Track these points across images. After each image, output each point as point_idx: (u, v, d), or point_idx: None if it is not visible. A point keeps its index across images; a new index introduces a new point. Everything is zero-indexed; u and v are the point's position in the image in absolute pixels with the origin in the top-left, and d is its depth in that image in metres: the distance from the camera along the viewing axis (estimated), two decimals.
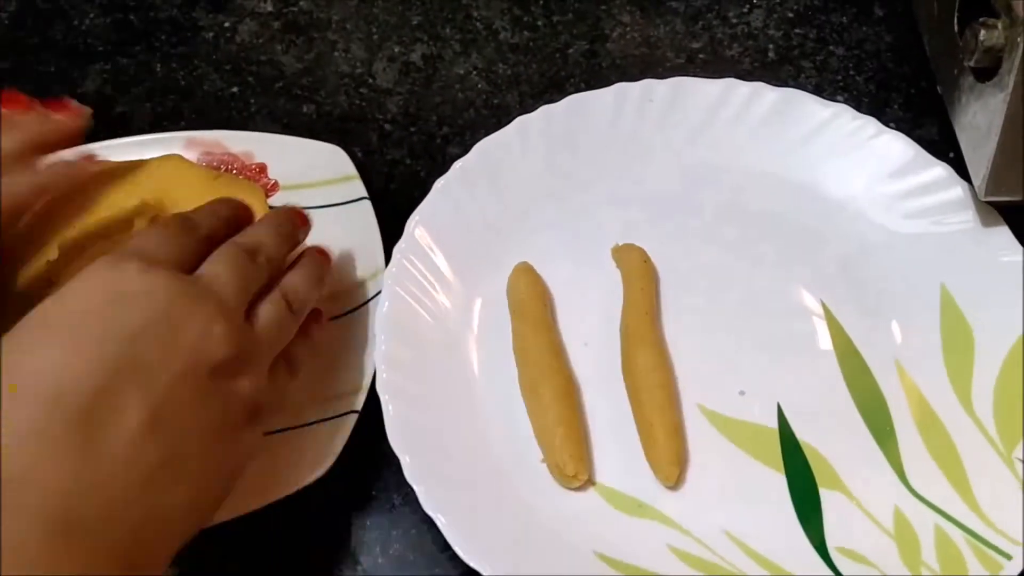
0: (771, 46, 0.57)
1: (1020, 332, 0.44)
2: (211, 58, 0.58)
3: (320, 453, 0.42)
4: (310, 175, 0.50)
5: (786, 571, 0.40)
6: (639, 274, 0.47)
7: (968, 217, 0.47)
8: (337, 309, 0.47)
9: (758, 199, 0.50)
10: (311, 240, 0.49)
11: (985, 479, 0.41)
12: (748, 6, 0.59)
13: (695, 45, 0.57)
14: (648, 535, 0.41)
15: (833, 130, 0.50)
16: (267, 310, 0.38)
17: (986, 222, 0.46)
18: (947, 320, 0.45)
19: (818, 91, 0.52)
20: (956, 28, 0.46)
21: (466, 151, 0.49)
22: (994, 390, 0.43)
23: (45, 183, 0.42)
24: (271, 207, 0.48)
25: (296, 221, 0.43)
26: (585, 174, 0.50)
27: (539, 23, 0.59)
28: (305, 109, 0.56)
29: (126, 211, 0.45)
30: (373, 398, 0.43)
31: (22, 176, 0.41)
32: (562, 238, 0.49)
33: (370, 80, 0.57)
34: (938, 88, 0.49)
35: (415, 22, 0.59)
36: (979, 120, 0.44)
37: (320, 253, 0.43)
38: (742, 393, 0.45)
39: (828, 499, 0.42)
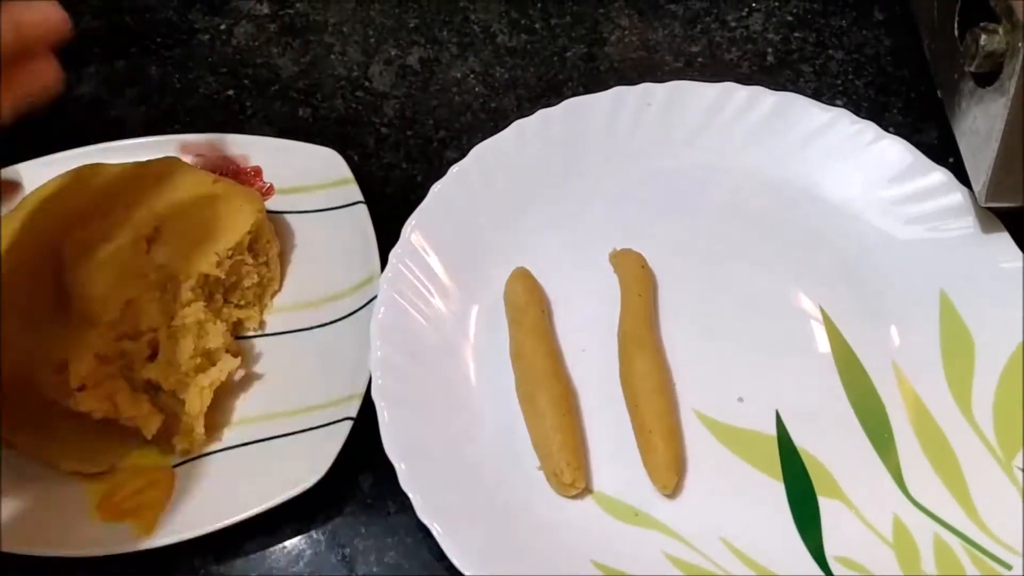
0: (770, 50, 0.57)
1: (1020, 339, 0.44)
2: (207, 61, 0.58)
3: (315, 460, 0.42)
4: (306, 179, 0.50)
5: None
6: (637, 279, 0.47)
7: (968, 223, 0.47)
8: (332, 314, 0.47)
9: (756, 203, 0.49)
10: (308, 243, 0.49)
11: (985, 488, 0.41)
12: (747, 10, 0.58)
13: (694, 49, 0.57)
14: (645, 543, 0.41)
15: (832, 134, 0.50)
16: None
17: (986, 228, 0.46)
18: (946, 326, 0.45)
19: (817, 95, 0.52)
20: (956, 33, 0.46)
21: (463, 155, 0.49)
22: (994, 397, 0.43)
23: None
24: (268, 211, 0.48)
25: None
26: (583, 178, 0.50)
27: (537, 26, 0.58)
28: (301, 112, 0.56)
29: (129, 214, 0.44)
30: (368, 404, 0.43)
31: None
32: (560, 243, 0.49)
33: (366, 83, 0.57)
34: (938, 93, 0.49)
35: (412, 25, 0.59)
36: (979, 125, 0.44)
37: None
38: (740, 399, 0.44)
39: (827, 507, 0.42)
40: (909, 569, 0.40)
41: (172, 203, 0.45)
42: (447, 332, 0.46)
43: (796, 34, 0.57)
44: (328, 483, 0.41)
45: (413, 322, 0.45)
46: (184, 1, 0.60)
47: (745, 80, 0.51)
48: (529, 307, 0.46)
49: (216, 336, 0.44)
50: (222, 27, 0.59)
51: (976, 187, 0.45)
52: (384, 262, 0.46)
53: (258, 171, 0.51)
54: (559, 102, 0.51)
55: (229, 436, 0.44)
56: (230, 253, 0.45)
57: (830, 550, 0.40)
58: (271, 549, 0.42)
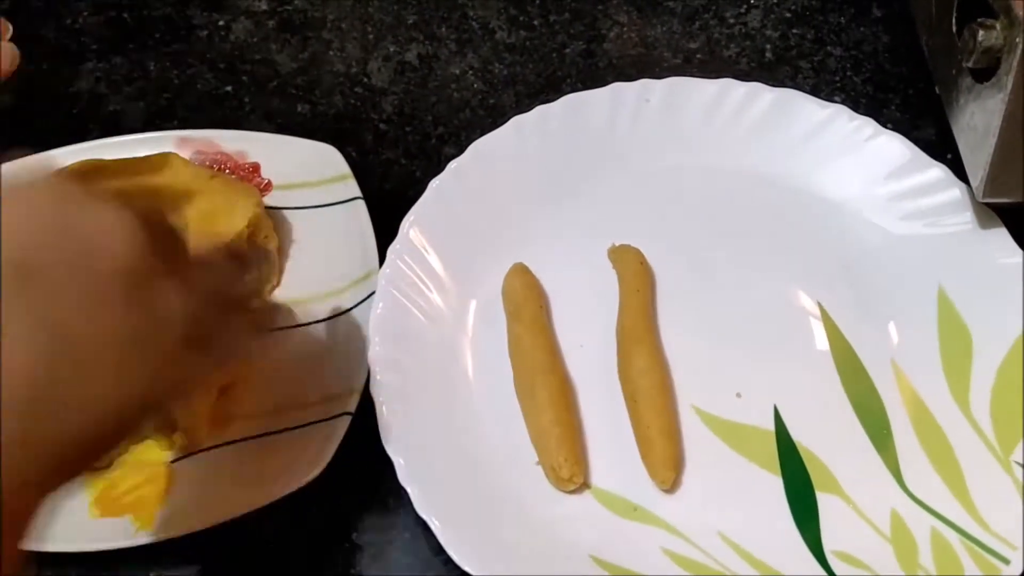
0: (768, 46, 0.57)
1: (1018, 334, 0.44)
2: (205, 57, 0.58)
3: (314, 455, 0.42)
4: (304, 174, 0.50)
5: (782, 575, 0.40)
6: (635, 275, 0.47)
7: (966, 219, 0.47)
8: (330, 310, 0.46)
9: (755, 200, 0.49)
10: (306, 239, 0.49)
11: (982, 482, 0.41)
12: (745, 6, 0.58)
13: (692, 45, 0.57)
14: (643, 538, 0.41)
15: (830, 131, 0.50)
16: (192, 241, 0.35)
17: (984, 224, 0.46)
18: (944, 322, 0.45)
19: (815, 92, 0.52)
20: (954, 28, 0.46)
21: (461, 151, 0.49)
22: (992, 393, 0.43)
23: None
24: (267, 207, 0.48)
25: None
26: (581, 174, 0.50)
27: (536, 23, 0.58)
28: (300, 108, 0.56)
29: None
30: (367, 400, 0.43)
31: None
32: (558, 239, 0.49)
33: (365, 79, 0.57)
34: (936, 89, 0.49)
35: (411, 21, 0.59)
36: (977, 121, 0.44)
37: None
38: (738, 395, 0.44)
39: (825, 502, 0.42)
40: (907, 564, 0.40)
41: (170, 198, 0.45)
42: (445, 328, 0.46)
43: (794, 31, 0.57)
44: (326, 478, 0.41)
45: (411, 318, 0.45)
46: None
47: (744, 76, 0.51)
48: (527, 303, 0.46)
49: None
50: (220, 23, 0.59)
51: (974, 183, 0.45)
52: (382, 258, 0.46)
53: (256, 167, 0.51)
54: (558, 98, 0.51)
55: (227, 432, 0.44)
56: (229, 248, 0.45)
57: (828, 545, 0.40)
58: (269, 545, 0.42)
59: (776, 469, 0.42)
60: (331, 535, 0.43)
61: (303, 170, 0.50)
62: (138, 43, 0.58)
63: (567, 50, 0.57)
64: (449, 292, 0.47)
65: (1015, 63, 0.40)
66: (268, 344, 0.46)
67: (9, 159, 0.31)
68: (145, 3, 0.60)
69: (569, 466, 0.41)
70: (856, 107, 0.50)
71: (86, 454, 0.30)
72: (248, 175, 0.50)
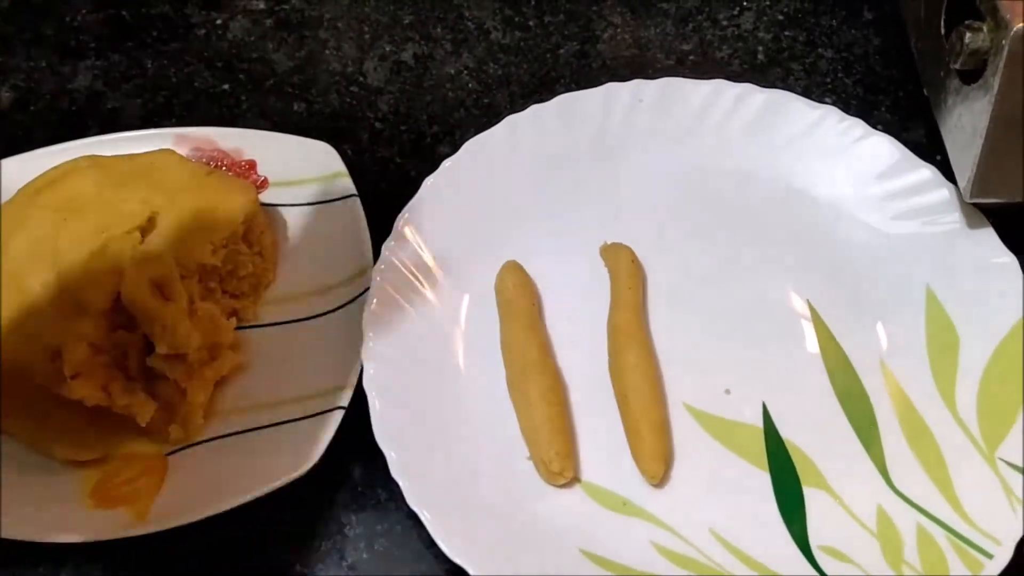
0: (760, 48, 0.57)
1: (1004, 333, 0.44)
2: (202, 55, 0.58)
3: (306, 449, 0.42)
4: (299, 172, 0.50)
5: (769, 569, 0.40)
6: (627, 273, 0.47)
7: (954, 219, 0.47)
8: (325, 305, 0.47)
9: (746, 199, 0.50)
10: (301, 236, 0.50)
11: (967, 479, 0.41)
12: (738, 8, 0.59)
13: (685, 47, 0.58)
14: (633, 532, 0.41)
15: (821, 132, 0.50)
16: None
17: (971, 224, 0.47)
18: (932, 321, 0.46)
19: (807, 93, 0.53)
20: (943, 31, 0.46)
21: (456, 150, 0.50)
22: (978, 391, 0.43)
23: None
24: (262, 203, 0.49)
25: None
26: (574, 173, 0.51)
27: (530, 24, 0.59)
28: (296, 107, 0.56)
29: (126, 208, 0.45)
30: (360, 394, 0.43)
31: None
32: (550, 236, 0.49)
33: (361, 79, 0.57)
34: (924, 91, 0.49)
35: (407, 21, 0.59)
36: (964, 122, 0.44)
37: None
38: (728, 392, 0.45)
39: (811, 497, 0.42)
40: (892, 558, 0.40)
41: (166, 194, 0.46)
42: (438, 323, 0.46)
43: (787, 33, 0.58)
44: (320, 471, 0.42)
45: (405, 314, 0.46)
46: None
47: (736, 78, 0.52)
48: (520, 300, 0.46)
49: (228, 331, 0.45)
50: (218, 22, 0.59)
51: (961, 183, 0.45)
52: (377, 254, 0.47)
53: (252, 164, 0.51)
54: (552, 98, 0.51)
55: (222, 425, 0.44)
56: (225, 242, 0.45)
57: (815, 539, 0.41)
58: (262, 536, 0.43)
59: (764, 465, 0.43)
60: (323, 528, 0.43)
61: (299, 167, 0.50)
62: (136, 41, 0.59)
63: (561, 51, 0.58)
64: (442, 288, 0.47)
65: (1001, 65, 0.41)
66: (263, 339, 0.47)
67: None
68: (144, 1, 0.60)
69: (560, 460, 0.42)
70: (847, 109, 0.51)
71: None
72: (244, 172, 0.51)
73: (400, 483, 0.41)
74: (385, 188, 0.52)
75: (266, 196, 0.50)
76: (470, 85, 0.57)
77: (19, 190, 0.46)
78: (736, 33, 0.58)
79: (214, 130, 0.52)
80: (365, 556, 0.42)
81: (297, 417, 0.43)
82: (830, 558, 0.40)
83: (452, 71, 0.57)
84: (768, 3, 0.59)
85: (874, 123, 0.50)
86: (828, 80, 0.56)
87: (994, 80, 0.41)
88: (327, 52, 0.58)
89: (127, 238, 0.44)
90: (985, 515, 0.40)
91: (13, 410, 0.43)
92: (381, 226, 0.48)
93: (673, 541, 0.41)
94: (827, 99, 0.54)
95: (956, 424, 0.43)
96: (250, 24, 0.59)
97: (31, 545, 0.41)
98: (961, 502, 0.41)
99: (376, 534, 0.43)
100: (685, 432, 0.44)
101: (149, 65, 0.58)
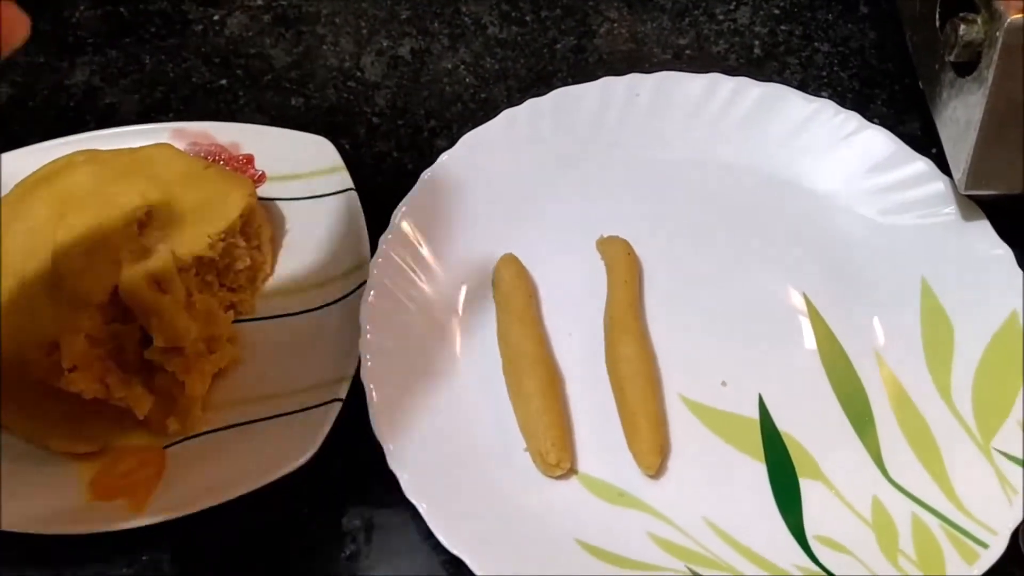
0: (757, 42, 0.58)
1: (999, 325, 0.44)
2: (200, 51, 0.58)
3: (304, 441, 0.42)
4: (297, 166, 0.51)
5: (766, 559, 0.41)
6: (623, 266, 0.47)
7: (949, 211, 0.47)
8: (323, 298, 0.47)
9: (742, 192, 0.50)
10: (299, 230, 0.50)
11: (963, 469, 0.42)
12: (734, 3, 0.59)
13: (682, 41, 0.58)
14: (630, 524, 0.42)
15: (816, 125, 0.50)
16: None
17: (966, 216, 0.47)
18: (927, 313, 0.46)
19: (803, 87, 0.53)
20: (938, 23, 0.47)
21: (453, 144, 0.50)
22: (973, 381, 0.44)
23: None
24: (260, 198, 0.49)
25: None
26: (571, 167, 0.51)
27: (527, 18, 0.59)
28: (293, 102, 0.56)
29: (123, 201, 0.45)
30: (358, 386, 0.43)
31: None
32: (547, 230, 0.49)
33: (358, 74, 0.57)
34: (920, 83, 0.50)
35: (404, 16, 0.59)
36: (959, 115, 0.45)
37: None
38: (724, 384, 0.45)
39: (807, 488, 0.42)
40: (888, 549, 0.40)
41: (164, 188, 0.46)
42: (435, 316, 0.46)
43: (783, 27, 0.58)
44: (317, 463, 0.42)
45: (402, 306, 0.46)
46: None
47: (732, 72, 0.52)
48: (517, 292, 0.47)
49: (225, 324, 0.45)
50: (216, 17, 0.60)
51: (956, 175, 0.46)
52: (374, 248, 0.47)
53: (250, 159, 0.51)
54: (548, 92, 0.51)
55: (220, 417, 0.44)
56: (222, 236, 0.46)
57: (810, 530, 0.41)
58: (260, 528, 0.43)
59: (760, 456, 0.43)
60: (321, 520, 0.43)
61: (296, 162, 0.51)
62: (134, 37, 0.59)
63: (558, 45, 0.58)
64: (439, 281, 0.47)
65: (995, 57, 0.41)
66: (261, 332, 0.47)
67: None
68: None
69: (556, 452, 0.42)
70: (843, 102, 0.51)
71: None
72: (242, 167, 0.51)
73: (398, 475, 0.41)
74: (382, 182, 0.53)
75: (264, 190, 0.50)
76: (467, 79, 0.57)
77: (16, 184, 0.47)
78: (732, 27, 0.58)
79: (212, 124, 0.52)
80: (363, 547, 0.43)
81: (295, 409, 0.44)
82: (826, 548, 0.41)
83: (449, 66, 0.57)
84: None
85: (870, 116, 0.50)
86: (824, 74, 0.56)
87: (988, 72, 0.42)
88: (324, 47, 0.58)
89: (125, 232, 0.44)
90: (980, 505, 0.41)
91: (11, 403, 0.43)
92: (378, 220, 0.48)
93: (670, 532, 0.41)
94: (823, 93, 0.55)
95: (952, 415, 0.43)
96: (247, 20, 0.59)
97: (30, 536, 0.41)
98: (956, 492, 0.41)
99: (373, 526, 0.43)
100: (681, 424, 0.44)
101: (147, 61, 0.58)
